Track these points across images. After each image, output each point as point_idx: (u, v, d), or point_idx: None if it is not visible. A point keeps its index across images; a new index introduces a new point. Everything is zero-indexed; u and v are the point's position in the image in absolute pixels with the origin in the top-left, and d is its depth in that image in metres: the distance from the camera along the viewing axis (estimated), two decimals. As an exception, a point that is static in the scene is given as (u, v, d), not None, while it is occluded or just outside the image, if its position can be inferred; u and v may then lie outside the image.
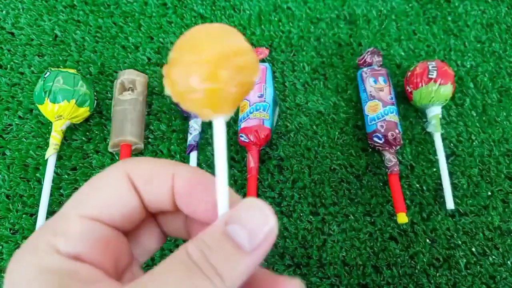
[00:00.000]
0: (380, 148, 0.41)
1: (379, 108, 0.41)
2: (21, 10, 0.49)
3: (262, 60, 0.46)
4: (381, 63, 0.45)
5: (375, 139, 0.41)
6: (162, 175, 0.18)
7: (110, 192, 0.18)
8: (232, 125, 0.43)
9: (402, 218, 0.38)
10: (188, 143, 0.41)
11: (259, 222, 0.16)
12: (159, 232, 0.21)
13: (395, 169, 0.40)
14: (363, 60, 0.45)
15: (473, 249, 0.39)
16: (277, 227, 0.17)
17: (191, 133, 0.41)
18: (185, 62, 0.16)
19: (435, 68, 0.41)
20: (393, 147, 0.41)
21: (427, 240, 0.39)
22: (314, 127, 0.44)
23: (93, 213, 0.17)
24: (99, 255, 0.17)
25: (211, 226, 0.16)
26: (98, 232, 0.17)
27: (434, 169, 0.42)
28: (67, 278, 0.15)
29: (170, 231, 0.21)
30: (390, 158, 0.40)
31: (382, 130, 0.40)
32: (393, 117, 0.41)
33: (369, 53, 0.45)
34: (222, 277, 0.15)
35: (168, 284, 0.15)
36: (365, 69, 0.44)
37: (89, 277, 0.16)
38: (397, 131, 0.40)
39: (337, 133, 0.43)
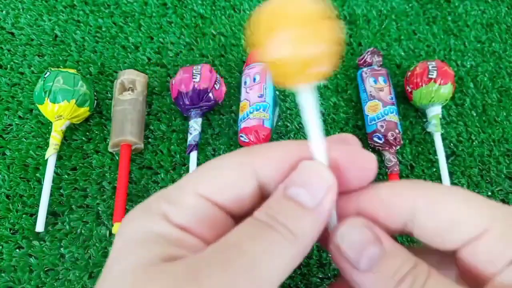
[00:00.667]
0: (380, 148, 0.41)
1: (379, 108, 0.41)
2: (21, 10, 0.49)
3: (262, 60, 0.46)
4: (381, 63, 0.45)
5: (375, 139, 0.41)
6: (291, 163, 0.18)
7: (233, 180, 0.18)
8: (232, 125, 0.44)
9: (402, 218, 0.38)
10: (188, 143, 0.41)
11: (317, 181, 0.17)
12: None
13: (395, 169, 0.40)
14: (363, 60, 0.45)
15: (473, 249, 0.39)
16: (335, 184, 0.17)
17: (191, 133, 0.41)
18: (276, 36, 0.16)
19: (435, 68, 0.41)
20: (393, 147, 0.41)
21: (427, 240, 0.39)
22: (314, 127, 0.44)
23: (209, 193, 0.18)
24: (204, 231, 0.17)
25: (274, 192, 0.17)
26: (209, 211, 0.17)
27: (434, 169, 0.42)
28: (173, 244, 0.16)
29: None
30: (390, 158, 0.40)
31: (382, 130, 0.40)
32: (393, 117, 0.41)
33: (369, 53, 0.45)
34: (292, 232, 0.16)
35: (243, 243, 0.15)
36: (365, 69, 0.44)
37: (193, 246, 0.17)
38: (397, 131, 0.40)
39: (337, 133, 0.43)
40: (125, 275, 0.15)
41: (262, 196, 0.19)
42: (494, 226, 0.16)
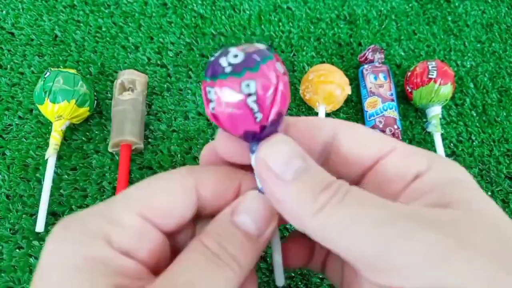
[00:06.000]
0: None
1: (378, 104, 0.41)
2: (21, 10, 0.49)
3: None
4: (382, 60, 0.45)
5: (375, 138, 0.41)
6: (230, 188, 0.19)
7: (176, 202, 0.18)
8: (232, 125, 0.43)
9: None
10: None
11: (264, 213, 0.18)
12: (193, 234, 0.21)
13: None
14: (364, 57, 0.45)
15: (473, 249, 0.39)
16: (276, 215, 0.18)
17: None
18: None
19: (435, 68, 0.41)
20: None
21: (427, 240, 0.39)
22: (314, 127, 0.44)
23: (151, 214, 0.17)
24: (146, 255, 0.17)
25: (220, 217, 0.18)
26: (151, 233, 0.17)
27: (434, 169, 0.42)
28: (118, 273, 0.15)
29: None
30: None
31: (381, 126, 0.40)
32: (392, 113, 0.41)
33: (370, 50, 0.45)
34: (239, 263, 0.16)
35: (193, 274, 0.15)
36: (366, 66, 0.44)
37: (136, 274, 0.16)
38: (395, 126, 0.40)
39: (337, 133, 0.43)
40: None
41: (196, 214, 0.19)
42: (400, 146, 0.18)
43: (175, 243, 0.20)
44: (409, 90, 0.43)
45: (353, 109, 0.45)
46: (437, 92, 0.41)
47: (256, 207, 0.18)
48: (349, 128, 0.19)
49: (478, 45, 0.49)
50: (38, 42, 0.47)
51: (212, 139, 0.43)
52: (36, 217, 0.37)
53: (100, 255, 0.15)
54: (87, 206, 0.39)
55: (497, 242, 0.14)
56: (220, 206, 0.19)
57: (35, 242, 0.37)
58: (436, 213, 0.15)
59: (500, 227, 0.15)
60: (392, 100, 0.42)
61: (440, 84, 0.41)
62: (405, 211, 0.15)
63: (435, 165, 0.17)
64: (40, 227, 0.37)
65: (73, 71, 0.41)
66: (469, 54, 0.49)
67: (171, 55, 0.47)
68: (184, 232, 0.20)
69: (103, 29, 0.48)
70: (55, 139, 0.39)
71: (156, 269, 0.17)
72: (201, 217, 0.20)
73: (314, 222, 0.15)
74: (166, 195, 0.18)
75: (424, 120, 0.44)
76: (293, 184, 0.16)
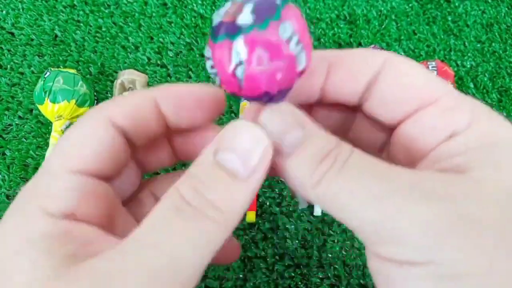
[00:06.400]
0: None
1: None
2: (21, 10, 0.49)
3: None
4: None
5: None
6: (146, 107, 0.17)
7: (95, 141, 0.16)
8: (232, 125, 0.43)
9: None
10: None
11: (250, 143, 0.15)
12: (137, 170, 0.20)
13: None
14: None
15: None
16: (271, 146, 0.15)
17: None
18: None
19: (435, 68, 0.41)
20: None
21: (427, 240, 0.39)
22: (314, 127, 0.44)
23: (80, 165, 0.16)
24: (92, 211, 0.15)
25: (200, 157, 0.15)
26: (88, 186, 0.16)
27: (434, 169, 0.42)
28: (61, 241, 0.14)
29: (152, 163, 0.20)
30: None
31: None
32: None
33: (369, 53, 0.45)
34: (222, 211, 0.14)
35: (161, 234, 0.13)
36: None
37: (85, 237, 0.14)
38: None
39: (337, 133, 0.43)
40: None
41: (139, 144, 0.18)
42: (446, 97, 0.16)
43: (121, 189, 0.18)
44: (409, 90, 0.43)
45: (353, 109, 0.45)
46: (437, 92, 0.41)
47: (241, 140, 0.15)
48: (396, 65, 0.17)
49: (478, 45, 0.49)
50: (38, 42, 0.47)
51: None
52: (36, 217, 0.37)
53: (38, 227, 0.14)
54: (87, 206, 0.39)
55: (500, 218, 0.13)
56: (148, 130, 0.18)
57: (35, 242, 0.37)
58: (442, 182, 0.14)
59: None
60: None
61: (440, 84, 0.41)
62: (407, 182, 0.14)
63: (476, 123, 0.15)
64: (40, 227, 0.37)
65: (73, 71, 0.41)
66: (469, 54, 0.49)
67: (171, 55, 0.47)
68: (126, 173, 0.19)
69: (103, 29, 0.48)
70: (55, 139, 0.39)
71: (110, 222, 0.16)
72: (139, 148, 0.19)
73: (314, 194, 0.15)
74: (81, 140, 0.16)
75: (424, 120, 0.44)
76: (290, 157, 0.15)
